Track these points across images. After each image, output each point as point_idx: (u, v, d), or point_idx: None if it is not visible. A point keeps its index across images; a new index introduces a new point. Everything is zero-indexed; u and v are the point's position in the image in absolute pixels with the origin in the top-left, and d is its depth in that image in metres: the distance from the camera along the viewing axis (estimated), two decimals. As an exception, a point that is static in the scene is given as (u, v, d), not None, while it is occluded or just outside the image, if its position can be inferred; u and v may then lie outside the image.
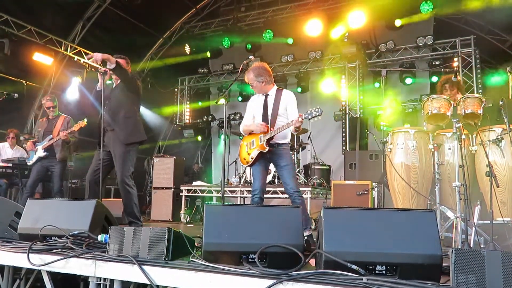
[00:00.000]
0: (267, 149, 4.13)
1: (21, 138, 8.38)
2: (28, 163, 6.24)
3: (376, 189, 6.62)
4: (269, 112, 4.24)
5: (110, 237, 2.82)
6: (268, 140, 4.12)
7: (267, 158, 4.23)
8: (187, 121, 12.71)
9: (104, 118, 4.57)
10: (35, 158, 6.10)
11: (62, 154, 6.09)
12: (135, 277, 2.57)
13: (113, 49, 10.07)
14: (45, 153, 6.03)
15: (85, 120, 5.96)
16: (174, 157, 8.96)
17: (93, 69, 4.60)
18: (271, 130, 4.12)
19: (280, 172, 4.26)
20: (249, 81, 4.34)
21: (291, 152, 4.42)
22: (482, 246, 3.82)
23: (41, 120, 6.54)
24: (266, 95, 4.32)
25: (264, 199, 4.33)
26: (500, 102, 3.95)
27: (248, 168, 7.98)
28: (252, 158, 4.23)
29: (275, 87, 4.39)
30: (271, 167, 7.62)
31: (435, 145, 4.48)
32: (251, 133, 4.35)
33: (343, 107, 10.26)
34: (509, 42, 9.01)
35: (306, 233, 3.88)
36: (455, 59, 9.19)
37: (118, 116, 4.61)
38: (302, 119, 3.89)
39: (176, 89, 12.82)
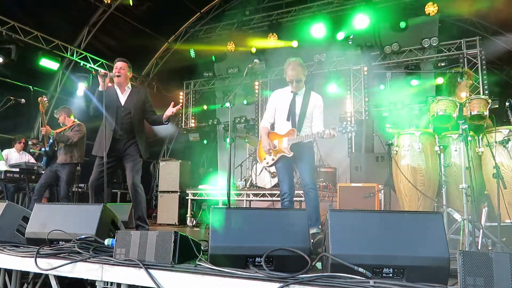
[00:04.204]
0: (291, 154, 4.13)
1: (29, 143, 8.45)
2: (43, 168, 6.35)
3: (382, 191, 6.59)
4: (297, 112, 4.22)
5: (117, 241, 2.83)
6: (293, 144, 4.14)
7: (290, 160, 4.21)
8: (193, 124, 12.74)
9: (119, 125, 4.57)
10: (44, 159, 6.19)
11: (62, 156, 6.09)
12: (142, 281, 2.58)
13: (118, 53, 10.15)
14: (47, 149, 6.06)
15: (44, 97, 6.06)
16: (180, 161, 8.98)
17: (93, 72, 4.65)
18: (297, 135, 4.12)
19: (298, 165, 4.25)
20: (297, 77, 4.21)
21: (314, 148, 4.43)
22: (490, 248, 3.79)
23: None
24: (295, 94, 4.28)
25: (293, 202, 4.32)
26: (507, 104, 3.93)
27: (254, 172, 7.99)
28: (273, 160, 4.26)
29: (304, 87, 4.36)
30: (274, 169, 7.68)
31: (441, 147, 4.46)
32: (274, 133, 4.35)
33: (349, 110, 10.24)
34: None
35: (313, 230, 3.85)
36: (460, 60, 9.16)
37: (139, 127, 4.69)
38: (335, 133, 3.91)
39: (181, 93, 12.86)
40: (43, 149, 6.12)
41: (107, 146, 4.40)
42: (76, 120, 6.46)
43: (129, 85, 4.77)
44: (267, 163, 4.33)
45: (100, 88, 4.46)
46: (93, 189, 4.56)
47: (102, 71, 4.58)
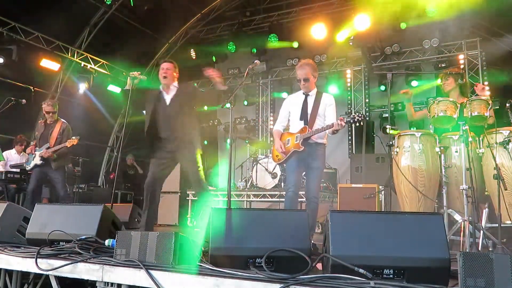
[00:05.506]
0: (302, 148, 4.19)
1: (31, 143, 8.44)
2: (27, 167, 6.25)
3: (382, 192, 6.59)
4: (309, 112, 4.31)
5: (117, 242, 2.83)
6: (305, 139, 4.20)
7: (302, 158, 4.27)
8: (193, 125, 12.70)
9: (166, 125, 4.59)
10: (32, 164, 6.09)
11: (57, 163, 6.05)
12: (142, 281, 2.58)
13: (119, 54, 10.17)
14: (42, 161, 6.02)
15: (78, 137, 6.00)
16: (180, 161, 8.96)
17: (124, 72, 4.73)
18: (309, 131, 4.18)
19: (308, 173, 4.32)
20: (304, 75, 4.32)
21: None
22: (490, 249, 3.79)
23: (39, 122, 6.49)
24: (306, 95, 4.39)
25: (298, 195, 4.37)
26: (507, 105, 3.93)
27: (254, 172, 7.99)
28: (285, 154, 4.33)
29: (316, 88, 4.46)
30: (277, 170, 7.69)
31: (441, 147, 4.46)
32: (288, 132, 4.45)
33: (349, 111, 10.24)
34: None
35: None
36: (461, 61, 9.15)
37: (189, 124, 4.68)
38: (344, 123, 3.97)
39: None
40: (41, 161, 6.00)
41: (154, 147, 4.55)
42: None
43: (175, 83, 4.77)
44: (279, 159, 4.43)
45: (126, 87, 4.60)
46: (148, 191, 4.59)
47: (134, 73, 4.65)
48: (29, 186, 6.14)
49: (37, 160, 6.05)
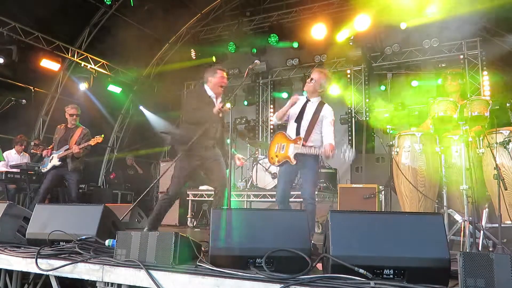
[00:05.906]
0: (294, 163, 4.21)
1: (32, 143, 8.45)
2: (43, 170, 6.29)
3: (383, 192, 6.59)
4: (304, 117, 4.32)
5: (117, 242, 2.83)
6: (297, 153, 4.20)
7: (295, 165, 4.28)
8: (193, 125, 12.69)
9: (211, 133, 4.43)
10: (49, 166, 6.14)
11: (74, 164, 6.12)
12: (142, 281, 2.58)
13: (119, 54, 10.16)
14: (60, 162, 6.08)
15: (102, 135, 6.05)
16: (180, 161, 8.95)
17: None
18: (303, 145, 4.18)
19: (302, 174, 4.34)
20: (313, 75, 4.43)
21: (320, 156, 4.52)
22: (490, 249, 3.79)
23: (59, 127, 6.52)
24: (307, 101, 4.41)
25: (289, 205, 4.39)
26: (508, 104, 3.93)
27: (254, 172, 7.99)
28: (278, 162, 4.37)
29: (320, 98, 4.46)
30: (277, 170, 7.69)
31: (442, 147, 4.46)
32: (284, 136, 4.43)
33: (349, 111, 10.25)
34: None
35: None
36: (461, 61, 9.15)
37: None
38: (334, 154, 4.02)
39: (182, 94, 12.84)
40: (59, 162, 6.04)
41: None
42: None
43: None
44: (273, 163, 4.46)
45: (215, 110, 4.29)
46: (167, 204, 4.46)
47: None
48: (42, 185, 6.21)
49: (55, 161, 6.11)
